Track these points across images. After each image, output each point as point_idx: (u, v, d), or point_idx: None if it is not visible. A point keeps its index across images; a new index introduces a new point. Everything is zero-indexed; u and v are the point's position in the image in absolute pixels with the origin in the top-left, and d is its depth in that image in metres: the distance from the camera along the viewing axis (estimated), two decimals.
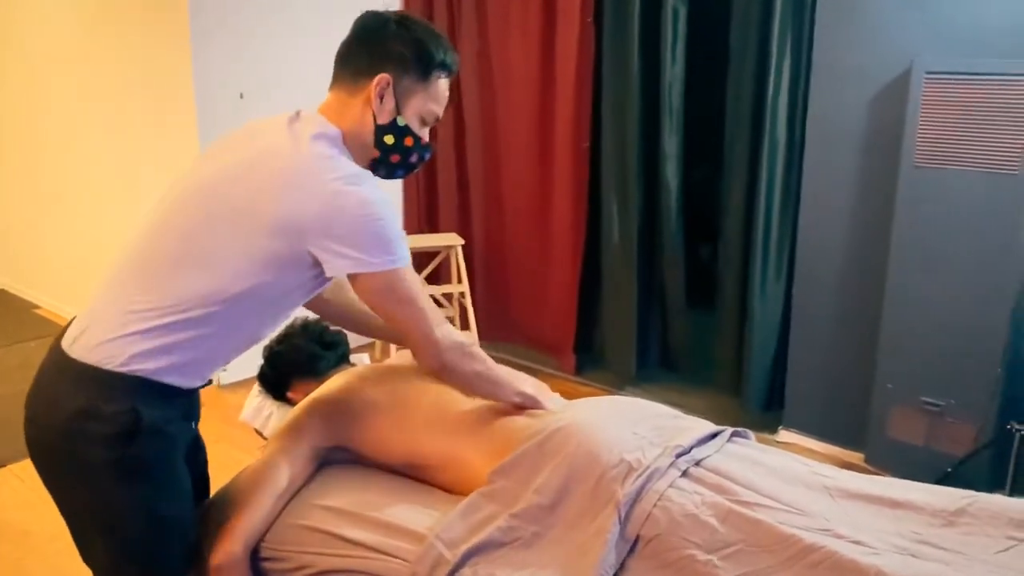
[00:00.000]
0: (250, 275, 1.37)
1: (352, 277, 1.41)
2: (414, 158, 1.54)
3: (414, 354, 1.53)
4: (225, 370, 3.94)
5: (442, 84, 1.52)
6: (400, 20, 1.49)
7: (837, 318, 3.18)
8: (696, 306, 3.90)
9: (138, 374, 1.36)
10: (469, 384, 1.62)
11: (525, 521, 1.45)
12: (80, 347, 1.38)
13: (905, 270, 2.86)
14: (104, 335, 1.37)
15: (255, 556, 1.57)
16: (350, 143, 1.47)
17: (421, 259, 4.56)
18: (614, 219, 3.82)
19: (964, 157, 2.67)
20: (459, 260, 4.04)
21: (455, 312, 4.27)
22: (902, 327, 2.89)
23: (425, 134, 1.54)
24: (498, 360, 1.68)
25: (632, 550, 1.37)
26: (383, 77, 1.45)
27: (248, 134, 1.49)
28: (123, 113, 4.20)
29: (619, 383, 3.94)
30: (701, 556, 1.31)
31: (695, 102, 3.63)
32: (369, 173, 1.46)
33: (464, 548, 1.41)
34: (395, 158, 1.52)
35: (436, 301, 4.34)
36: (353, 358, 2.08)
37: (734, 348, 3.57)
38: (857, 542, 1.30)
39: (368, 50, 1.47)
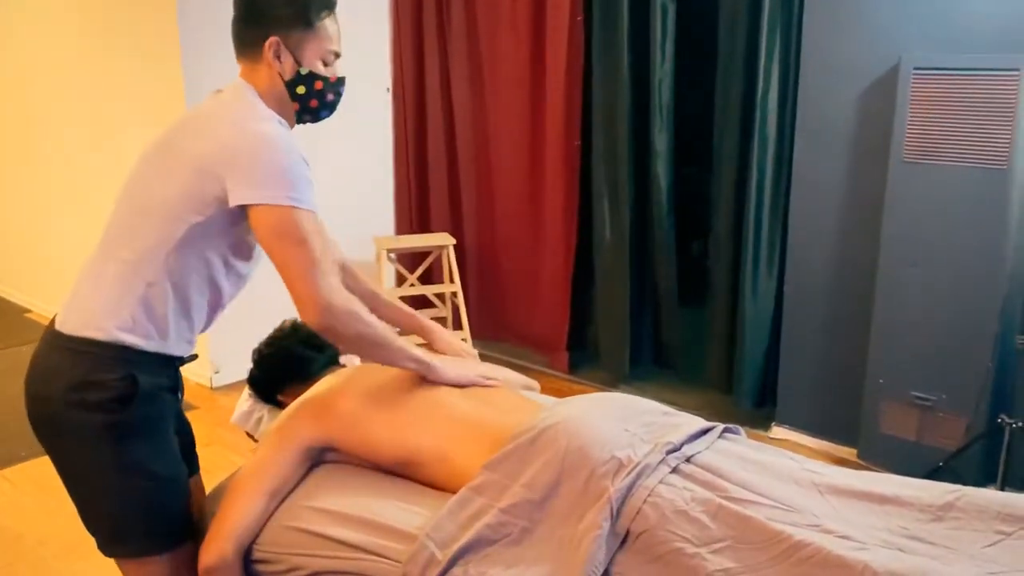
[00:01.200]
0: (183, 216, 1.46)
1: (249, 211, 1.45)
2: (330, 96, 1.64)
3: (296, 305, 1.48)
4: (218, 371, 3.93)
5: (329, 24, 1.61)
6: None
7: (828, 314, 3.19)
8: (688, 303, 3.90)
9: (128, 343, 1.47)
10: (351, 344, 1.59)
11: (515, 516, 1.45)
12: (71, 323, 1.49)
13: (895, 265, 2.87)
14: (90, 308, 1.49)
15: (247, 558, 1.57)
16: (271, 103, 1.58)
17: (413, 259, 4.56)
18: (605, 217, 3.83)
19: (953, 152, 2.68)
20: (451, 259, 4.05)
21: (447, 311, 4.27)
22: (893, 322, 2.90)
23: (332, 71, 1.63)
24: (491, 360, 1.68)
25: (622, 545, 1.38)
26: (272, 41, 1.55)
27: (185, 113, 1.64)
28: (114, 117, 4.18)
29: (612, 381, 3.94)
30: (690, 549, 1.32)
31: (685, 99, 3.64)
32: (283, 121, 1.56)
33: (455, 547, 1.41)
34: (313, 103, 1.62)
35: (428, 301, 4.35)
36: (343, 359, 2.08)
37: (726, 345, 3.57)
38: (845, 537, 1.31)
39: (253, 19, 1.57)
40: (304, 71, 1.58)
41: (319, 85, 1.60)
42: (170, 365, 1.57)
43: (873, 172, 2.95)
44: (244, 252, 1.58)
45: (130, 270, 1.48)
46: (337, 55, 1.63)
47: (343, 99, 1.69)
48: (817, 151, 3.10)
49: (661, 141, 3.60)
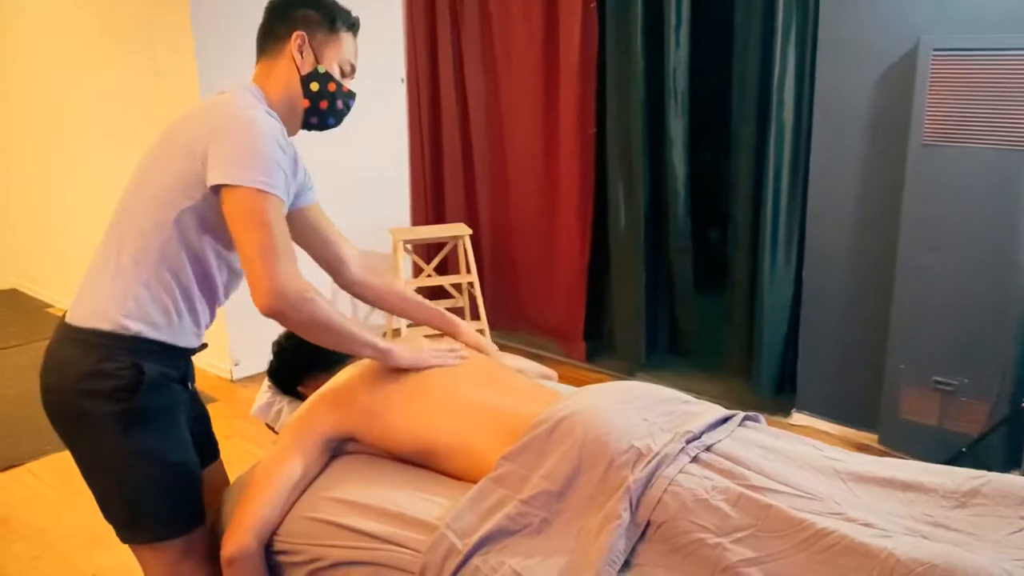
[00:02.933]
0: (172, 203, 1.50)
1: (221, 192, 1.48)
2: (340, 103, 1.71)
3: (251, 289, 1.47)
4: (237, 364, 3.96)
5: (348, 38, 1.71)
6: None
7: (848, 299, 3.16)
8: (705, 290, 3.89)
9: (133, 332, 1.50)
10: (303, 331, 1.56)
11: (534, 507, 1.45)
12: (79, 315, 1.53)
13: (915, 249, 2.84)
14: (96, 300, 1.52)
15: (268, 549, 1.58)
16: (279, 104, 1.64)
17: (429, 250, 4.57)
18: (621, 205, 3.81)
19: (973, 134, 2.65)
20: (467, 250, 4.04)
21: (464, 302, 4.27)
22: (913, 307, 2.87)
23: (346, 82, 1.72)
24: (509, 349, 1.68)
25: (642, 536, 1.37)
26: (299, 34, 1.63)
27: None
28: (131, 113, 4.21)
29: (629, 369, 3.93)
30: (711, 540, 1.31)
31: (700, 85, 3.61)
32: (273, 114, 1.58)
33: (475, 537, 1.41)
34: (323, 104, 1.68)
35: (445, 291, 4.35)
36: None
37: (745, 332, 3.56)
38: (868, 525, 1.29)
39: (280, 19, 1.65)
40: (322, 69, 1.66)
41: (332, 87, 1.67)
42: (178, 356, 1.60)
43: (892, 155, 2.92)
44: (232, 244, 1.56)
45: (132, 261, 1.51)
46: (353, 69, 1.72)
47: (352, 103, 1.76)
48: (835, 135, 3.07)
49: (676, 128, 3.58)
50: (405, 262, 4.37)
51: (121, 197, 1.59)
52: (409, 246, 4.28)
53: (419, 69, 4.47)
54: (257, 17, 1.68)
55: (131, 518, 1.56)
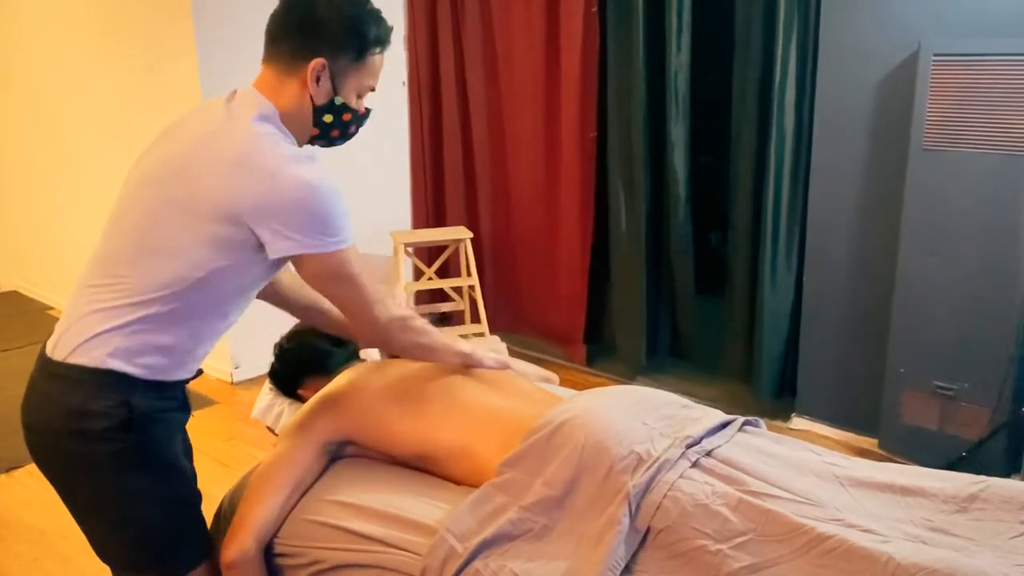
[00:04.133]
0: (207, 261, 1.38)
1: (295, 259, 1.43)
2: (352, 129, 1.57)
3: (354, 330, 1.56)
4: (238, 367, 3.96)
5: (377, 60, 1.53)
6: (332, 1, 1.46)
7: (848, 303, 3.16)
8: (706, 294, 3.89)
9: (121, 370, 1.38)
10: (409, 355, 1.67)
11: (535, 513, 1.45)
12: (62, 349, 1.41)
13: (916, 254, 2.84)
14: (82, 335, 1.39)
15: (268, 552, 1.58)
16: (288, 121, 1.48)
17: (430, 253, 4.57)
18: (622, 208, 3.81)
19: (974, 139, 2.65)
20: (468, 253, 4.04)
21: (465, 305, 4.27)
22: (914, 311, 2.88)
23: (362, 105, 1.56)
24: (509, 353, 1.69)
25: (643, 542, 1.37)
26: (318, 62, 1.44)
27: (187, 120, 1.50)
28: (132, 114, 4.21)
29: (629, 373, 3.93)
30: (712, 546, 1.31)
31: (701, 89, 3.62)
32: (310, 152, 1.46)
33: (475, 541, 1.41)
34: (335, 132, 1.55)
35: (445, 295, 4.35)
36: (363, 354, 2.09)
37: (745, 336, 3.56)
38: (868, 530, 1.30)
39: (301, 31, 1.45)
40: (339, 102, 1.50)
41: (347, 117, 1.53)
42: (173, 388, 1.48)
43: (892, 160, 2.92)
44: (263, 280, 1.52)
45: (130, 301, 1.38)
46: (373, 89, 1.56)
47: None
48: (835, 140, 3.07)
49: (677, 132, 3.58)
50: (406, 265, 4.37)
51: (112, 230, 1.44)
52: (410, 249, 4.28)
53: (420, 72, 4.47)
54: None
55: (134, 559, 1.49)
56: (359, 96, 1.54)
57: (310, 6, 1.45)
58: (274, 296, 1.74)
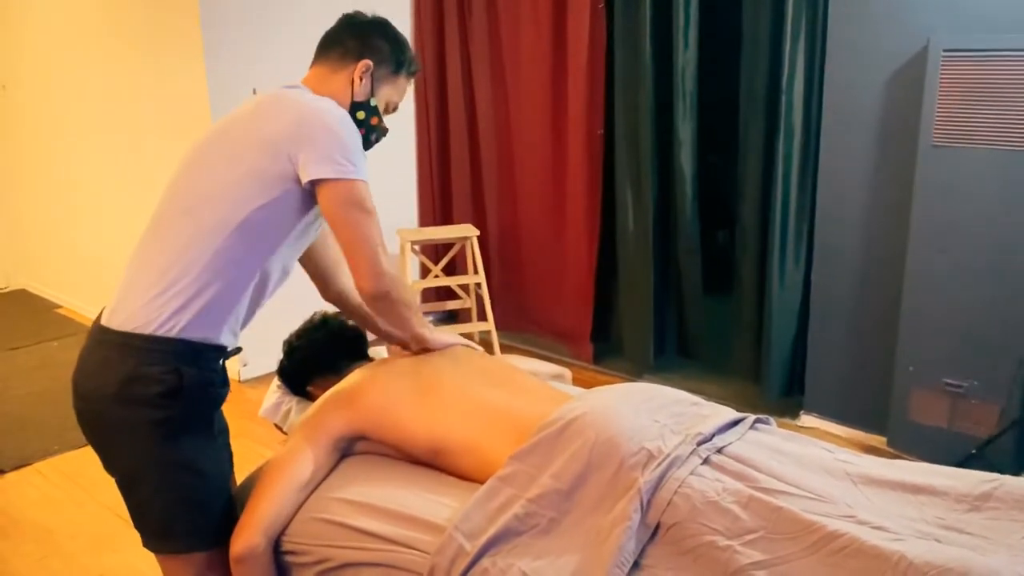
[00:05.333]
0: (246, 200, 1.50)
1: (321, 184, 1.51)
2: (373, 137, 1.77)
3: (354, 272, 1.58)
4: (245, 364, 3.96)
5: (406, 81, 1.79)
6: (384, 22, 1.76)
7: (857, 301, 3.15)
8: (713, 293, 3.87)
9: (175, 335, 1.47)
10: (390, 315, 1.67)
11: (542, 507, 1.44)
12: (118, 318, 1.50)
13: (925, 251, 2.83)
14: (137, 301, 1.49)
15: (276, 549, 1.58)
16: None
17: (436, 251, 4.57)
18: (629, 206, 3.81)
19: (983, 135, 2.64)
20: (475, 251, 4.04)
21: (472, 303, 4.27)
22: (923, 309, 2.86)
23: (385, 121, 1.78)
24: (516, 350, 1.69)
25: (652, 537, 1.37)
26: (367, 62, 1.69)
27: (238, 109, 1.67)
28: (140, 114, 4.22)
29: (637, 371, 3.92)
30: (722, 542, 1.30)
31: (709, 87, 3.60)
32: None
33: (483, 539, 1.41)
34: (361, 131, 1.69)
35: (452, 292, 4.35)
36: (372, 352, 2.09)
37: (753, 334, 3.54)
38: (880, 528, 1.29)
39: (357, 39, 1.71)
40: (373, 102, 1.72)
41: (375, 120, 1.73)
42: (217, 358, 1.56)
43: (902, 157, 2.91)
44: (295, 223, 1.59)
45: (179, 261, 1.49)
46: (395, 108, 1.79)
47: None
48: (844, 136, 3.06)
49: (685, 129, 3.57)
50: (413, 263, 4.37)
51: (164, 198, 1.57)
52: (416, 247, 4.28)
53: (427, 69, 4.47)
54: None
55: (165, 529, 1.55)
56: (385, 110, 1.77)
57: (367, 23, 1.74)
58: (313, 269, 1.88)
